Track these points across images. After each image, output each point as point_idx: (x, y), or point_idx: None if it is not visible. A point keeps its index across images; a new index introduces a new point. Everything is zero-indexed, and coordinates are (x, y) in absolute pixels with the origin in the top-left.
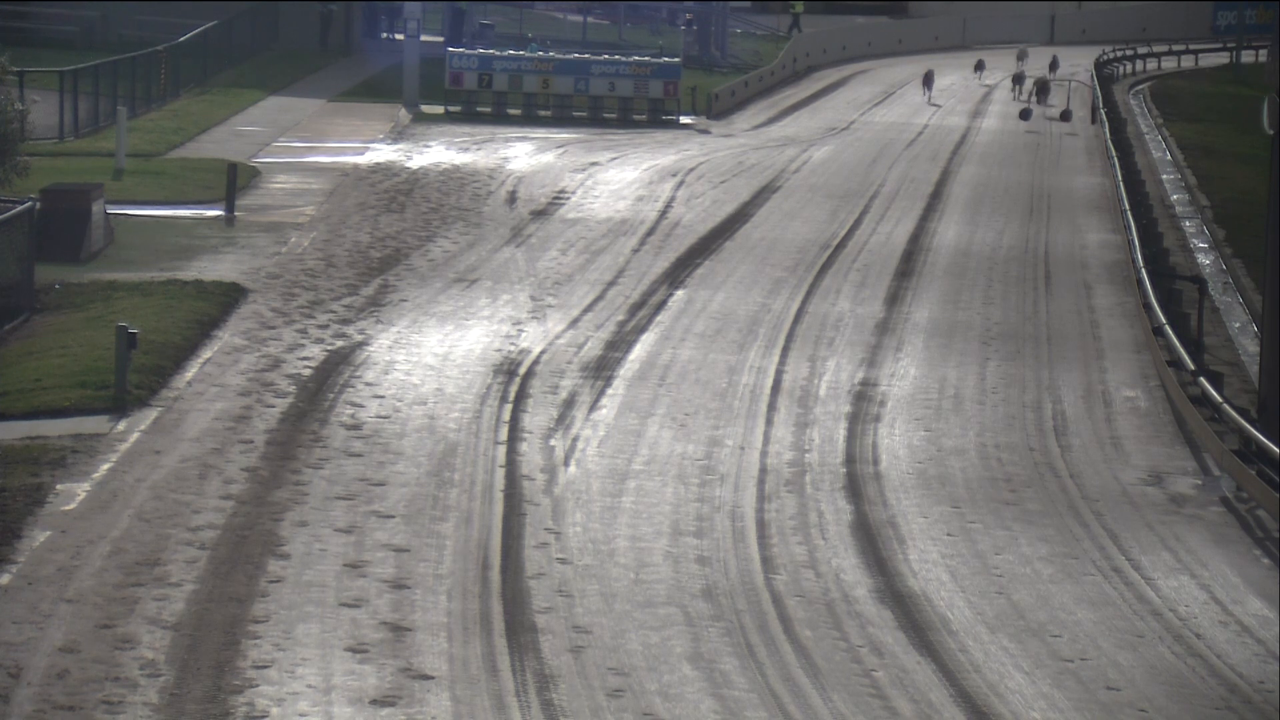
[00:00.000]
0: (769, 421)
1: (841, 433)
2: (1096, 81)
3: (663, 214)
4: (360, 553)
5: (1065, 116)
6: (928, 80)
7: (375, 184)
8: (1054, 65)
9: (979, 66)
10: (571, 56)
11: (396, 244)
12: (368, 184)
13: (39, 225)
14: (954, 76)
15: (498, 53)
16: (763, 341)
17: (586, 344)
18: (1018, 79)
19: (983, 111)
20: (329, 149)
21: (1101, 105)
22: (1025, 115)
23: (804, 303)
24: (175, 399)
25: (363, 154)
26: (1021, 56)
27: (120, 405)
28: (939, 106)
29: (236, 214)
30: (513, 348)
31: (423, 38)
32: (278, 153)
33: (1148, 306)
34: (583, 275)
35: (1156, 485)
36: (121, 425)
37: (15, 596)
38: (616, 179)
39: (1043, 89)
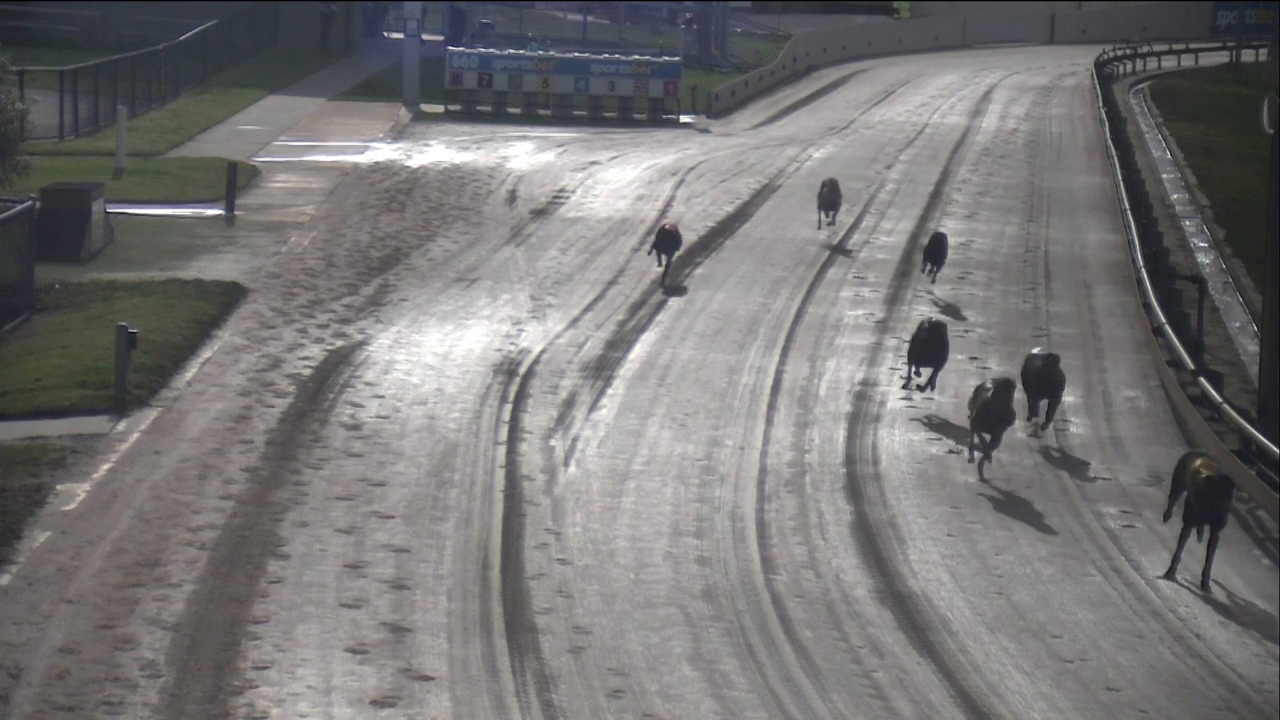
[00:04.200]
0: (769, 421)
1: (841, 433)
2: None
3: (663, 213)
4: (360, 553)
5: None
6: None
7: (375, 183)
8: (937, 251)
9: (828, 205)
10: (571, 56)
11: (396, 243)
12: (368, 183)
13: (39, 225)
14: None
15: (498, 52)
16: (763, 341)
17: (586, 344)
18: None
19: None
20: (329, 148)
21: (1197, 502)
22: None
23: (804, 302)
24: (175, 399)
25: (363, 153)
26: (829, 206)
27: (120, 405)
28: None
29: (236, 213)
30: (513, 347)
31: (423, 37)
32: (278, 152)
33: (1148, 306)
34: (583, 275)
35: (1156, 485)
36: (121, 425)
37: (15, 597)
38: (616, 178)
39: None
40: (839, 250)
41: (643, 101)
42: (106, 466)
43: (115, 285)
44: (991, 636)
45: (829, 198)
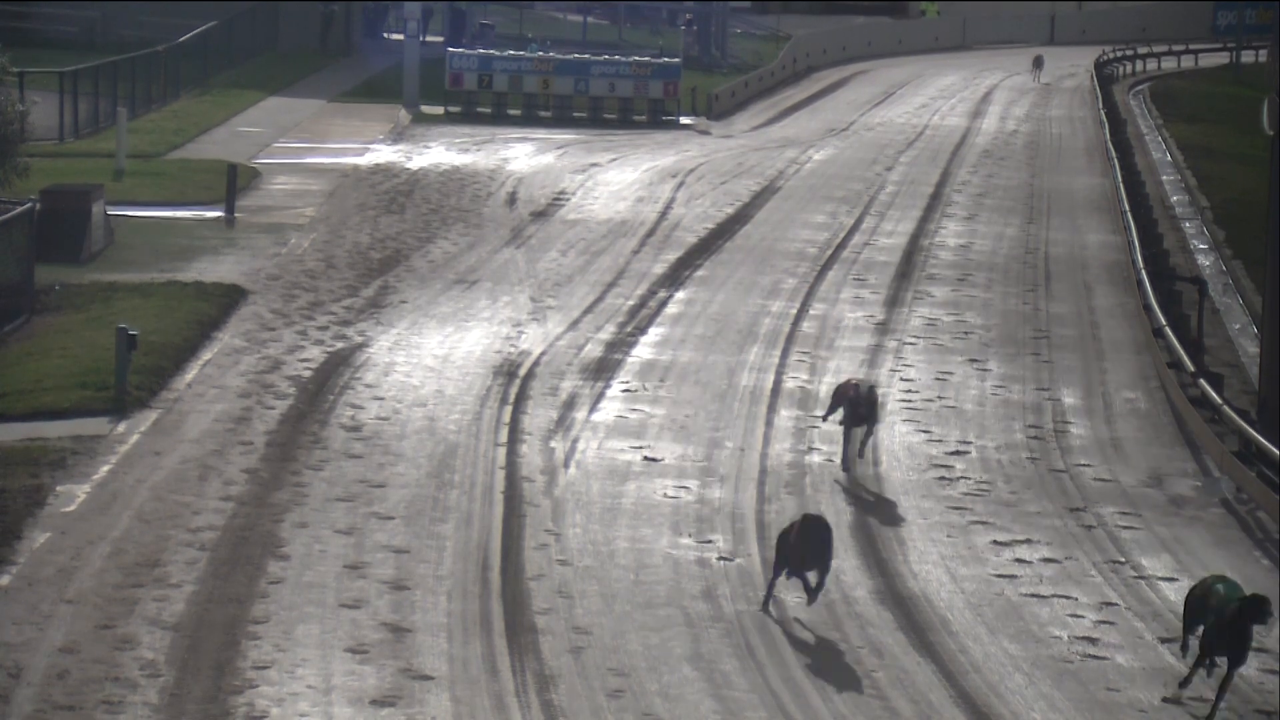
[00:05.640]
0: (769, 423)
1: (841, 434)
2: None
3: (663, 215)
4: (360, 554)
5: None
6: None
7: (375, 185)
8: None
9: (861, 419)
10: (571, 57)
11: (396, 245)
12: (368, 185)
13: (39, 226)
14: None
15: (498, 53)
16: (763, 343)
17: (586, 345)
18: None
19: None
20: (329, 150)
21: None
22: None
23: (804, 304)
24: (175, 400)
25: (363, 155)
26: (861, 420)
27: (120, 406)
28: None
29: (237, 215)
30: (513, 349)
31: (424, 38)
32: (278, 154)
33: (1148, 308)
34: (583, 276)
35: (1156, 486)
36: (121, 426)
37: (15, 597)
38: (616, 180)
39: None
40: (839, 251)
41: (643, 103)
42: (106, 467)
43: (115, 287)
44: (991, 637)
45: (866, 412)
